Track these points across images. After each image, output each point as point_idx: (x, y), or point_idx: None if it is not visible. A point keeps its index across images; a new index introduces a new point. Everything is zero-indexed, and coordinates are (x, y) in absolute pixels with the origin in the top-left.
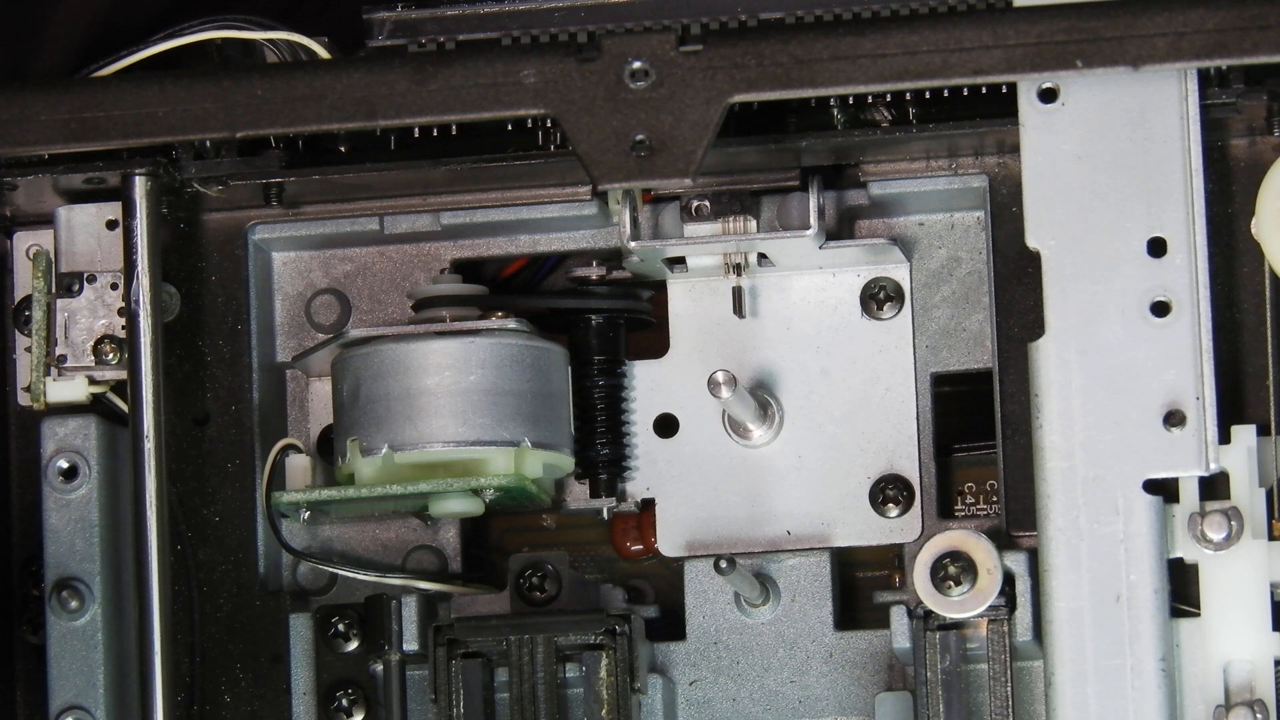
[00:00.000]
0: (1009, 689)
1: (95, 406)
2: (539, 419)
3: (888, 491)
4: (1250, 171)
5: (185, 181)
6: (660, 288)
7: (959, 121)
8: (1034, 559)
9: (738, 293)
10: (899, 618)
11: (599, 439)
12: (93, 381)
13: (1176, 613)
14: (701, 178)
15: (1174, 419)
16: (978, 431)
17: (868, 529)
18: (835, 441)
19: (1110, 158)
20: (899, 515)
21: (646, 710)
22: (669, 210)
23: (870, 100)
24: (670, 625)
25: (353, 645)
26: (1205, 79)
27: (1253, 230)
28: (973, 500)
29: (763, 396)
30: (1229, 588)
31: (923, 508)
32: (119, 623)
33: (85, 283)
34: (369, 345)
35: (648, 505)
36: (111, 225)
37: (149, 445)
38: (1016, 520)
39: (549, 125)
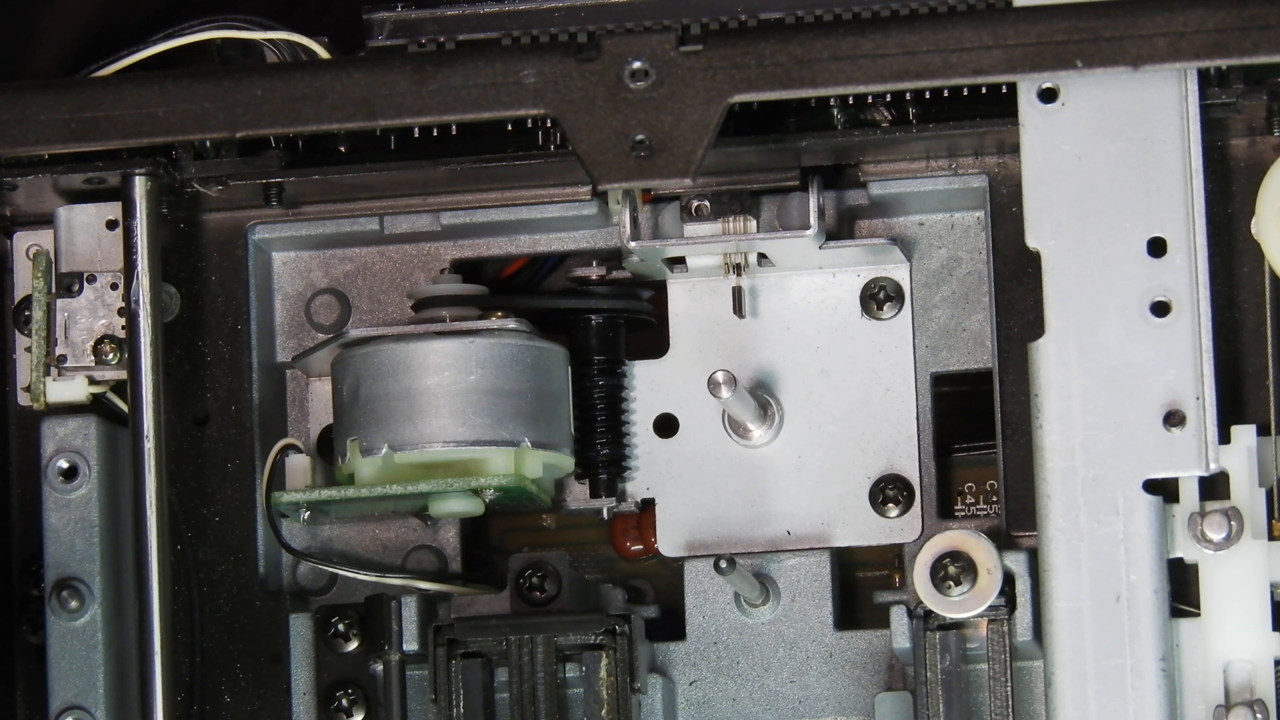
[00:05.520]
0: (1009, 689)
1: (95, 406)
2: (539, 419)
3: (888, 491)
4: (1250, 171)
5: (185, 181)
6: (660, 288)
7: (959, 121)
8: (1034, 559)
9: (738, 293)
10: (899, 618)
11: (599, 439)
12: (93, 381)
13: (1176, 613)
14: (701, 178)
15: (1174, 419)
16: (978, 431)
17: (868, 529)
18: (835, 441)
19: (1110, 158)
20: (899, 515)
21: (646, 710)
22: (669, 210)
23: (870, 100)
24: (670, 625)
25: (353, 645)
26: (1205, 79)
27: (1253, 230)
28: (973, 500)
29: (763, 396)
30: (1229, 588)
31: (923, 508)
32: (119, 623)
33: (85, 283)
34: (369, 345)
35: (648, 505)
36: (111, 225)
37: (149, 445)
38: (1016, 520)
39: (549, 125)
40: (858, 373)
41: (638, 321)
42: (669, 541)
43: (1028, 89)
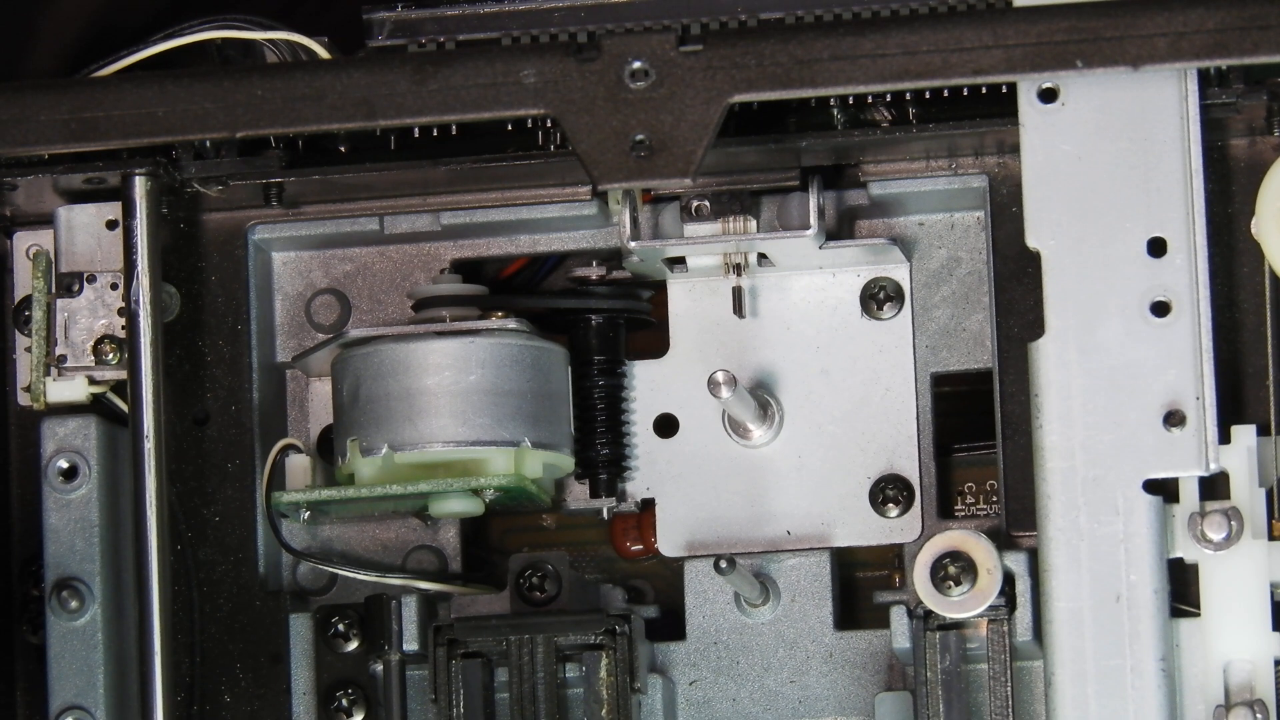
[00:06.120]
0: (1009, 689)
1: (95, 406)
2: (539, 419)
3: (888, 491)
4: (1250, 171)
5: (185, 181)
6: (660, 288)
7: (959, 121)
8: (1034, 559)
9: (738, 293)
10: (899, 618)
11: (599, 439)
12: (93, 381)
13: (1176, 613)
14: (701, 178)
15: (1174, 419)
16: (978, 431)
17: (868, 529)
18: (835, 441)
19: (1110, 158)
20: (899, 515)
21: (646, 710)
22: (669, 210)
23: (870, 100)
24: (670, 625)
25: (353, 645)
26: (1205, 79)
27: (1253, 230)
28: (973, 500)
29: (763, 396)
30: (1229, 588)
31: (923, 508)
32: (119, 623)
33: (85, 283)
34: (369, 345)
35: (648, 505)
36: (111, 225)
37: (149, 445)
38: (1016, 520)
39: (549, 125)
40: (858, 373)
41: (638, 321)
42: (669, 541)
43: (1028, 89)
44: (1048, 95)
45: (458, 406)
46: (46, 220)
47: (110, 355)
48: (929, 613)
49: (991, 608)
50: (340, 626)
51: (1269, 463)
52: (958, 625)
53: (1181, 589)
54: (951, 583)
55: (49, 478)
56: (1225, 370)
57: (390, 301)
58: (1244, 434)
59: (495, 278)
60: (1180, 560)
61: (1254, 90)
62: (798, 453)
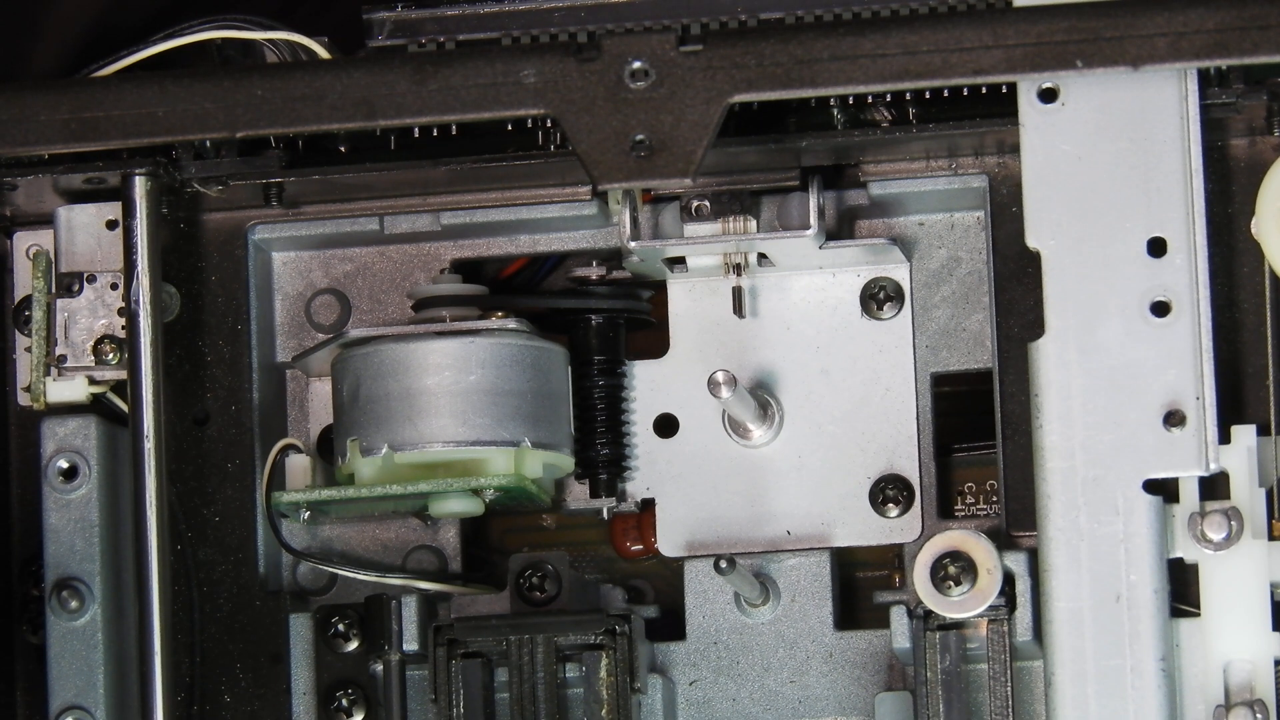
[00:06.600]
0: (1009, 689)
1: (95, 406)
2: (539, 419)
3: (888, 491)
4: (1250, 171)
5: (185, 181)
6: (660, 288)
7: (959, 121)
8: (1034, 559)
9: (738, 293)
10: (899, 618)
11: (599, 439)
12: (93, 381)
13: (1176, 613)
14: (701, 178)
15: (1174, 419)
16: (978, 431)
17: (868, 529)
18: (835, 441)
19: (1110, 158)
20: (899, 515)
21: (646, 710)
22: (669, 210)
23: (870, 100)
24: (670, 625)
25: (353, 645)
26: (1205, 79)
27: (1253, 230)
28: (973, 500)
29: (763, 396)
30: (1229, 588)
31: (923, 508)
32: (119, 623)
33: (85, 283)
34: (369, 345)
35: (648, 505)
36: (111, 225)
37: (149, 445)
38: (1016, 520)
39: (549, 125)
40: (858, 373)
41: (638, 321)
42: (669, 541)
43: (1028, 89)
44: (1048, 95)
45: (458, 406)
46: (46, 220)
47: (110, 355)
48: (929, 613)
49: (991, 608)
50: (340, 626)
51: (1269, 463)
52: (958, 625)
53: (1181, 589)
54: (951, 583)
55: (49, 478)
56: (1225, 370)
57: (390, 301)
58: (1244, 434)
59: (495, 278)
60: (1180, 560)
61: (1254, 90)
62: (798, 453)
